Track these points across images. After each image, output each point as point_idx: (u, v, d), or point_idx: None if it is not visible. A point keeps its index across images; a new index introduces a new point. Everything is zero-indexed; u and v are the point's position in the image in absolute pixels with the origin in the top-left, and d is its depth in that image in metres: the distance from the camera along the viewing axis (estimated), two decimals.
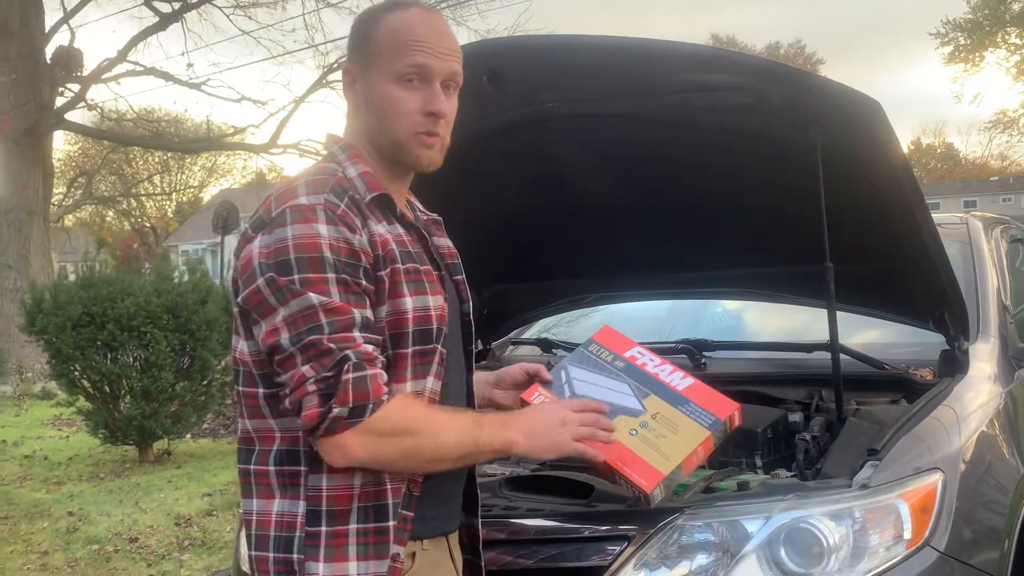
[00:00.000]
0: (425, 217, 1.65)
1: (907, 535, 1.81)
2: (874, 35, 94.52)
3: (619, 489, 2.01)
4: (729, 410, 1.75)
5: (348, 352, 1.35)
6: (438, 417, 1.46)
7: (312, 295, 1.35)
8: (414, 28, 1.48)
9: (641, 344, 1.90)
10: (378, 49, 1.48)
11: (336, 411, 1.34)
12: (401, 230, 1.50)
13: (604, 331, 1.94)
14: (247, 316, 1.43)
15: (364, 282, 1.40)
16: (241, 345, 1.46)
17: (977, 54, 37.24)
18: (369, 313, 1.40)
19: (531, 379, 1.82)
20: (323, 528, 1.40)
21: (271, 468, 1.44)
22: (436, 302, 1.48)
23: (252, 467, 1.47)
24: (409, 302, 1.44)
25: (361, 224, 1.42)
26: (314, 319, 1.35)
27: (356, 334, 1.37)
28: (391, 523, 1.43)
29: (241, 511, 1.51)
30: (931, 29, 38.44)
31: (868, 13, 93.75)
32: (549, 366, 1.86)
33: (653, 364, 1.82)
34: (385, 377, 1.39)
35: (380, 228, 1.45)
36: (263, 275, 1.38)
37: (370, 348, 1.38)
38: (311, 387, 1.34)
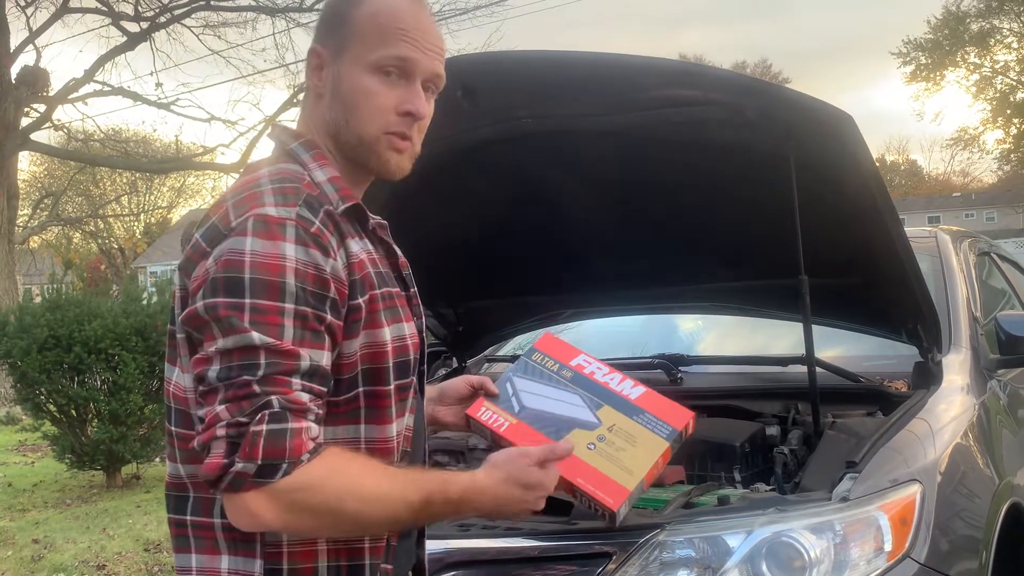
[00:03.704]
0: (373, 221, 1.44)
1: (888, 547, 1.81)
2: (838, 55, 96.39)
3: None
4: (684, 419, 1.70)
5: (272, 398, 1.13)
6: (371, 485, 1.20)
7: (255, 335, 1.14)
8: (403, 16, 1.30)
9: (587, 353, 1.81)
10: (358, 33, 1.30)
11: (239, 466, 1.12)
12: (371, 247, 1.32)
13: (545, 339, 1.84)
14: (193, 341, 1.22)
15: (329, 316, 1.20)
16: (178, 377, 1.26)
17: (938, 73, 38.06)
18: (324, 357, 1.20)
19: (475, 392, 1.71)
20: None
21: (216, 520, 1.22)
22: (411, 329, 1.32)
23: (188, 518, 1.25)
24: (388, 332, 1.27)
25: (338, 244, 1.23)
26: (252, 357, 1.14)
27: (294, 379, 1.16)
28: None
29: (176, 567, 1.27)
30: (893, 49, 39.25)
31: (832, 33, 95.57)
32: (494, 378, 1.76)
33: (602, 373, 1.73)
34: (315, 432, 1.17)
35: (357, 247, 1.27)
36: (204, 298, 1.17)
37: (305, 397, 1.16)
38: (220, 431, 1.13)
